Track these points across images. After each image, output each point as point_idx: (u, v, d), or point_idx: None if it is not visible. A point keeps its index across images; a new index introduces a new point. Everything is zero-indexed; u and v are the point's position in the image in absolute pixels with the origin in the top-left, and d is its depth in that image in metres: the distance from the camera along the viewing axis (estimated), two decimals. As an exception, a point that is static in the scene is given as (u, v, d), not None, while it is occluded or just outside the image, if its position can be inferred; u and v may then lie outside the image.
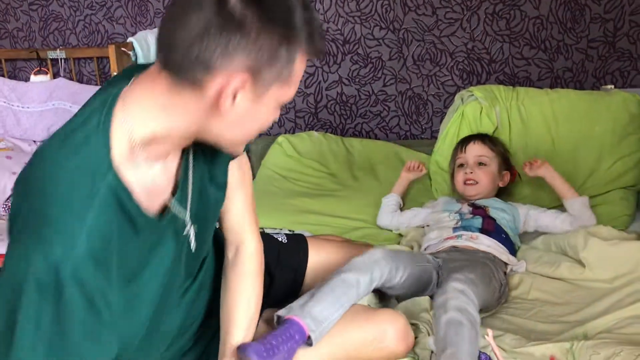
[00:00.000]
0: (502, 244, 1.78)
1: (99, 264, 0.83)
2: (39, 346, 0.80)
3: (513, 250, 1.83)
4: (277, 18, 0.83)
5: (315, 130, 2.74)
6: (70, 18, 2.76)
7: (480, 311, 1.46)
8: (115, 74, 2.00)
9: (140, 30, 2.71)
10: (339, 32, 2.58)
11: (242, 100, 0.87)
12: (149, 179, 0.92)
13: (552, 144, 2.21)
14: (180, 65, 0.84)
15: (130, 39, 2.12)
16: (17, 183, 0.88)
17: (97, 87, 2.67)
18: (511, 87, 2.34)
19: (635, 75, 2.45)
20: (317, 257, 1.52)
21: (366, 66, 2.61)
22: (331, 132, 2.72)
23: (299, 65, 0.89)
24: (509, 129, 2.24)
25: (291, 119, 2.72)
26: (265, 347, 1.14)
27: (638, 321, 1.34)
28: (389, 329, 1.31)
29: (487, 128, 2.24)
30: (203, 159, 1.04)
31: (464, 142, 2.05)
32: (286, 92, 0.91)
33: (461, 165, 2.01)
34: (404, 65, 2.58)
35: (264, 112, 0.92)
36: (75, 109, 2.79)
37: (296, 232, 1.78)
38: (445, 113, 2.50)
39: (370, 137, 2.70)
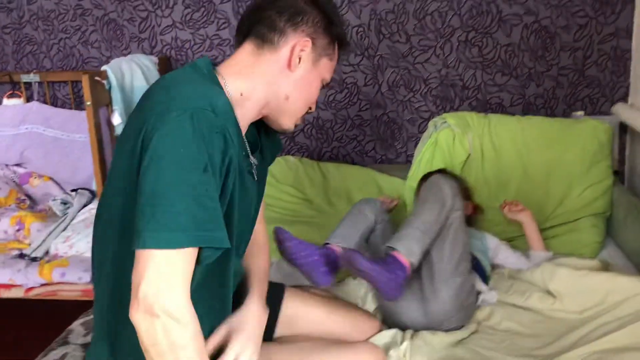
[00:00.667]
0: (472, 269, 1.81)
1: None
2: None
3: (484, 277, 1.85)
4: (326, 13, 1.22)
5: (292, 154, 2.75)
6: (44, 41, 2.74)
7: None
8: (89, 103, 2.00)
9: (115, 54, 2.71)
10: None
11: (305, 61, 1.20)
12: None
13: (524, 171, 2.25)
14: (264, 33, 1.18)
15: (104, 67, 2.11)
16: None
17: (72, 111, 2.69)
18: (483, 114, 2.38)
19: (604, 102, 2.50)
20: (294, 309, 1.50)
21: (342, 91, 2.63)
22: (308, 156, 2.73)
23: (335, 50, 1.26)
24: (481, 156, 2.28)
25: (267, 143, 2.73)
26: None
27: (604, 356, 1.36)
28: None
29: (460, 155, 2.27)
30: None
31: (424, 178, 2.05)
32: (329, 68, 1.25)
33: None
34: (379, 91, 2.61)
35: (315, 81, 1.23)
36: (50, 132, 2.78)
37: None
38: (420, 138, 2.53)
39: (346, 161, 2.71)
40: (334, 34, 1.24)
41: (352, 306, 1.67)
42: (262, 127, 1.29)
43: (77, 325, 1.69)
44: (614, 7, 2.40)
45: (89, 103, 1.99)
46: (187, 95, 1.06)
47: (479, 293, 1.77)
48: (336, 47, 1.26)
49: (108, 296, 1.16)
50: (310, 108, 1.28)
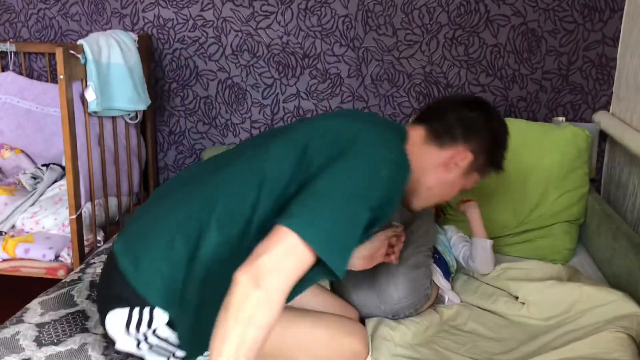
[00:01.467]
0: (434, 263, 1.81)
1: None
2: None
3: (447, 272, 1.84)
4: (497, 141, 1.44)
5: (270, 142, 2.71)
6: (22, 11, 2.66)
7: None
8: (61, 76, 1.94)
9: (96, 28, 2.65)
10: (299, 45, 2.56)
11: (458, 169, 1.37)
12: None
13: (502, 174, 2.23)
14: (440, 132, 1.36)
15: (80, 41, 2.05)
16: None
17: (48, 84, 2.62)
18: (465, 113, 2.36)
19: (585, 109, 2.50)
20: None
21: (325, 82, 2.59)
22: (286, 145, 2.69)
23: (489, 173, 1.46)
24: (460, 156, 2.26)
25: (246, 129, 2.69)
26: None
27: (566, 365, 1.36)
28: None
29: (438, 154, 2.25)
30: None
31: None
32: (474, 181, 1.44)
33: None
34: (362, 84, 2.57)
35: (457, 186, 1.41)
36: (24, 104, 2.71)
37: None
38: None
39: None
40: (493, 158, 1.43)
41: (332, 294, 1.70)
42: None
43: (34, 304, 1.65)
44: (601, 14, 2.39)
45: (61, 77, 1.93)
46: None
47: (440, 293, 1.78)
48: (492, 169, 1.45)
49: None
50: (441, 205, 1.50)
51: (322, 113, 1.48)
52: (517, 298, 1.72)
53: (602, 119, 2.40)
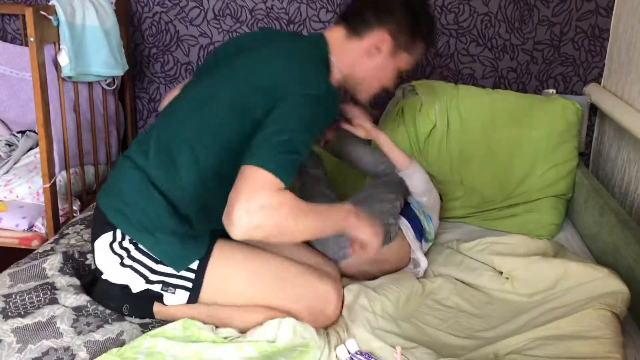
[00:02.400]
0: (409, 221, 1.79)
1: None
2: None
3: (420, 234, 1.80)
4: (415, 16, 1.47)
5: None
6: (-5, -30, 2.55)
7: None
8: (32, 39, 1.85)
9: (72, -10, 2.53)
10: (283, 10, 2.47)
11: (382, 53, 1.46)
12: None
13: (488, 146, 2.18)
14: (355, 23, 1.45)
15: (52, 1, 1.95)
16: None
17: (23, 47, 2.51)
18: (453, 84, 2.30)
19: (577, 81, 2.44)
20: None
21: (310, 49, 2.51)
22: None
23: (419, 50, 1.53)
24: (447, 128, 2.20)
25: (229, 98, 2.61)
26: None
27: (548, 342, 1.32)
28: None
29: (425, 125, 2.20)
30: None
31: None
32: (407, 61, 1.51)
33: None
34: (349, 52, 2.49)
35: (390, 69, 1.50)
36: (-3, 68, 2.61)
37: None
38: (387, 103, 2.44)
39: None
40: (417, 34, 1.48)
41: (315, 251, 1.70)
42: None
43: (3, 276, 1.59)
44: (596, -17, 2.32)
45: (32, 39, 1.84)
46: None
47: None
48: (421, 45, 1.50)
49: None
50: (386, 88, 1.54)
51: (250, 42, 1.54)
52: (501, 273, 1.68)
53: (593, 91, 2.35)
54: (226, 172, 1.31)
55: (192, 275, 1.40)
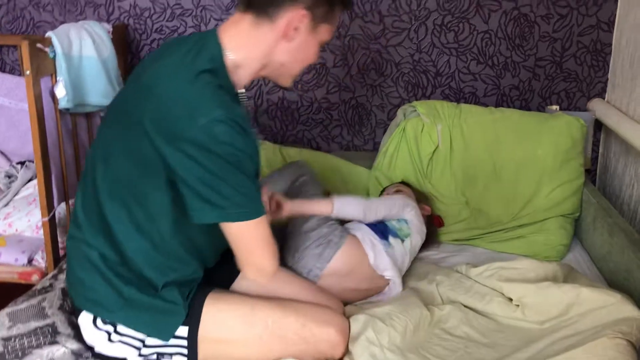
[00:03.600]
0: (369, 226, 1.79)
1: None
2: None
3: (383, 232, 1.78)
4: None
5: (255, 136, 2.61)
6: (-8, 1, 2.54)
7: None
8: (28, 72, 1.83)
9: (70, 19, 2.52)
10: (282, 34, 2.45)
11: (302, 31, 1.28)
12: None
13: (493, 166, 2.15)
14: (263, 6, 1.25)
15: (49, 34, 1.93)
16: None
17: (21, 77, 2.50)
18: (455, 103, 2.27)
19: (580, 97, 2.41)
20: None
21: (309, 72, 2.49)
22: (271, 138, 2.60)
23: (337, 13, 1.33)
24: (450, 148, 2.17)
25: (229, 122, 2.58)
26: None
27: (562, 375, 1.28)
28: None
29: (427, 147, 2.17)
30: None
31: (384, 189, 2.13)
32: (328, 31, 1.34)
33: None
34: (349, 73, 2.47)
35: (312, 45, 1.32)
36: (-6, 99, 2.60)
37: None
38: (389, 125, 2.42)
39: (311, 146, 2.59)
40: (336, 2, 1.31)
41: (315, 285, 1.66)
42: None
43: (2, 316, 1.56)
44: (596, -2, 2.29)
45: (28, 72, 1.82)
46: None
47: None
48: (339, 9, 1.33)
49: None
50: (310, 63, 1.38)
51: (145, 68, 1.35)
52: (511, 300, 1.64)
53: (597, 107, 2.32)
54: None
55: (184, 343, 1.34)
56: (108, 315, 1.33)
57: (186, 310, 1.34)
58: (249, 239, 1.25)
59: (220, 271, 1.51)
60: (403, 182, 2.14)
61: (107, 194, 1.29)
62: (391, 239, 1.78)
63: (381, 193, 2.10)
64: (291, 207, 1.70)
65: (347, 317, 1.58)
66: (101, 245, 1.32)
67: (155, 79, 1.25)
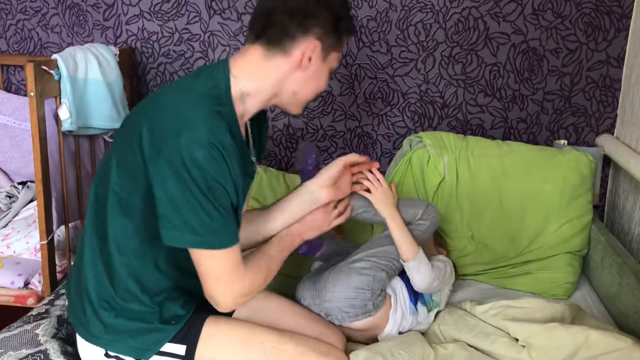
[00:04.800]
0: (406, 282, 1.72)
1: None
2: None
3: (421, 299, 1.71)
4: (336, 12, 1.31)
5: (259, 162, 2.59)
6: (0, 21, 2.55)
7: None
8: (32, 94, 1.82)
9: (77, 41, 2.52)
10: (289, 61, 2.44)
11: (314, 60, 1.31)
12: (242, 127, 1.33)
13: (500, 200, 2.11)
14: (276, 38, 1.28)
15: (54, 56, 1.92)
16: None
17: (25, 98, 2.49)
18: (462, 135, 2.25)
19: (589, 132, 2.38)
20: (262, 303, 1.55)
21: (316, 99, 2.47)
22: (275, 164, 2.58)
23: (344, 41, 1.38)
24: (456, 181, 2.14)
25: (234, 148, 2.56)
26: None
27: None
28: None
29: (433, 178, 2.14)
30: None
31: None
32: (337, 58, 1.38)
33: None
34: (355, 102, 2.46)
35: (324, 73, 1.35)
36: (1, 119, 2.59)
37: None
38: (394, 155, 2.39)
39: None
40: (343, 30, 1.34)
41: (319, 318, 1.63)
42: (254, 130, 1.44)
43: (-7, 342, 1.52)
44: (606, 33, 2.28)
45: (32, 94, 1.81)
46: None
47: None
48: (346, 37, 1.37)
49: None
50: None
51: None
52: (517, 340, 1.59)
53: (605, 143, 2.29)
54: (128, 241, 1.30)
55: None
56: (95, 340, 1.35)
57: (165, 325, 1.35)
58: (205, 267, 1.24)
59: None
60: None
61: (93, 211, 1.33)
62: (419, 306, 1.71)
63: None
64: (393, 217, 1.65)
65: (349, 352, 1.54)
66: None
67: (161, 96, 1.30)
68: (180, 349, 1.34)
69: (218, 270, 1.24)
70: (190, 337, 1.34)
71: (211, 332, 1.36)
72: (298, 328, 1.52)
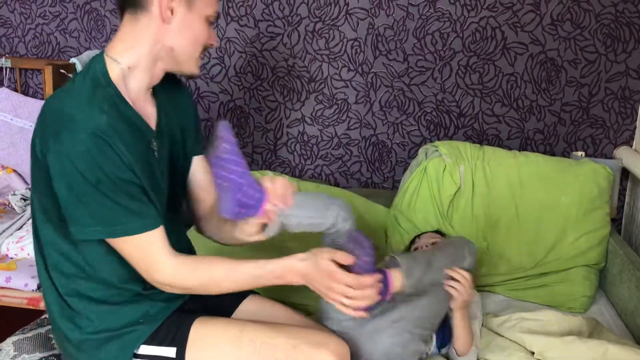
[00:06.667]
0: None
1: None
2: None
3: (442, 340, 1.62)
4: None
5: (272, 169, 2.59)
6: (20, 25, 2.57)
7: None
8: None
9: (95, 46, 2.54)
10: (305, 69, 2.44)
11: (178, 9, 1.24)
12: (141, 103, 1.29)
13: (516, 211, 2.09)
14: (131, 0, 1.24)
15: (73, 60, 1.94)
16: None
17: (42, 102, 2.51)
18: (478, 145, 2.23)
19: (607, 144, 2.36)
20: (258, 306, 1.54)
21: (331, 107, 2.47)
22: (289, 172, 2.57)
23: None
24: (472, 191, 2.12)
25: (248, 154, 2.57)
26: None
27: None
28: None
29: (449, 188, 2.12)
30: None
31: (419, 235, 1.96)
32: (208, 4, 1.28)
33: (416, 249, 1.87)
34: (370, 110, 2.45)
35: (197, 22, 1.28)
36: (17, 122, 2.61)
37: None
38: (409, 163, 2.38)
39: (329, 181, 2.55)
40: None
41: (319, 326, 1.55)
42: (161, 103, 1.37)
43: (7, 345, 1.52)
44: (625, 45, 2.26)
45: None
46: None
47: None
48: None
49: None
50: (211, 45, 1.33)
51: None
52: (532, 353, 1.57)
53: (624, 155, 2.26)
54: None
55: None
56: (77, 353, 1.34)
57: (137, 328, 1.33)
58: (125, 255, 1.25)
59: (220, 304, 1.49)
60: (438, 232, 1.99)
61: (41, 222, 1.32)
62: (443, 349, 1.63)
63: (412, 241, 1.94)
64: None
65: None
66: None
67: (46, 102, 1.27)
68: (170, 352, 1.32)
69: (135, 257, 1.25)
70: (179, 339, 1.33)
71: (200, 333, 1.34)
72: (290, 321, 1.49)
